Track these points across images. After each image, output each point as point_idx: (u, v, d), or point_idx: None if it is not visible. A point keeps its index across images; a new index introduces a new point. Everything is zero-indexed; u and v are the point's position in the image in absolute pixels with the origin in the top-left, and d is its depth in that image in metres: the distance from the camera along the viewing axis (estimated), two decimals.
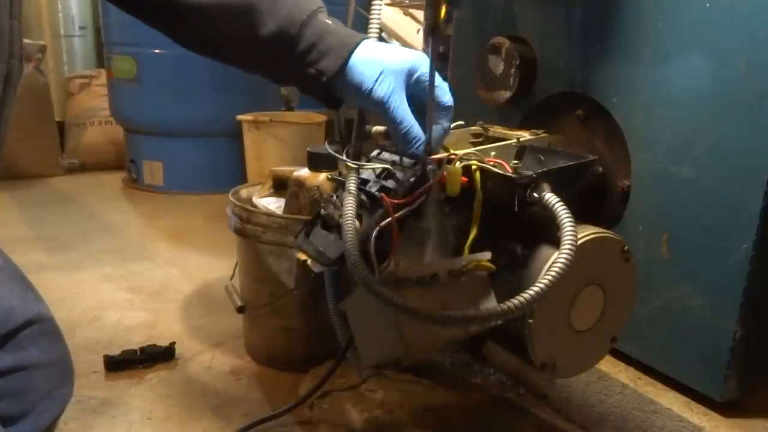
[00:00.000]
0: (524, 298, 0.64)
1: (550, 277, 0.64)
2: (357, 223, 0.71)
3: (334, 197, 0.75)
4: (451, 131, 0.88)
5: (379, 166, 0.75)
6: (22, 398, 0.86)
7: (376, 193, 0.73)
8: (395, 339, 0.66)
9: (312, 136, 2.44)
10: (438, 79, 0.70)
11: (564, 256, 0.64)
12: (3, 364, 0.82)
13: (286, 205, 1.18)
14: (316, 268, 0.79)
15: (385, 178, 0.75)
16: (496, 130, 0.95)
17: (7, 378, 0.83)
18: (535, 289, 0.64)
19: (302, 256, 0.82)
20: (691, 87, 0.89)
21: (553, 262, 0.65)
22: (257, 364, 1.26)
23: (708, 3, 0.86)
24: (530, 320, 0.71)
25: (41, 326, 0.89)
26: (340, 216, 0.70)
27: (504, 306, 0.64)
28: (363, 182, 0.77)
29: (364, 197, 0.75)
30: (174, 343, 1.28)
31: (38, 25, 3.28)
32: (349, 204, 0.70)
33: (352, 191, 0.72)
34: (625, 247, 0.77)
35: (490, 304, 0.71)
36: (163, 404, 1.11)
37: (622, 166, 0.98)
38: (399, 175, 0.74)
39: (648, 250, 0.95)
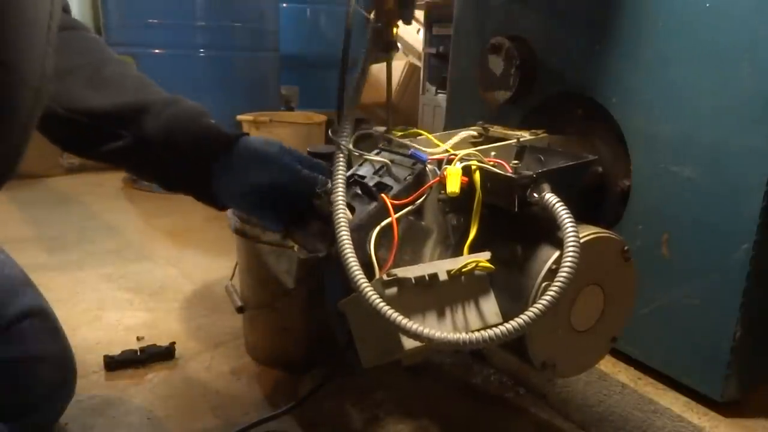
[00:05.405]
0: (529, 316, 0.62)
1: (557, 287, 0.63)
2: (349, 214, 0.71)
3: (328, 184, 0.75)
4: (451, 131, 0.88)
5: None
6: (24, 391, 0.85)
7: (375, 191, 0.73)
8: (394, 340, 0.66)
9: (312, 136, 2.44)
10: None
11: (569, 262, 0.63)
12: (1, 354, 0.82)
13: None
14: (302, 255, 0.79)
15: (382, 175, 0.75)
16: (496, 130, 0.95)
17: (8, 369, 0.83)
18: (542, 303, 0.62)
19: (291, 243, 0.82)
20: (691, 87, 0.89)
21: (559, 268, 0.64)
22: (257, 364, 1.25)
23: (708, 3, 0.86)
24: None
25: (41, 321, 0.89)
26: (332, 210, 0.69)
27: (513, 324, 0.62)
28: (360, 178, 0.77)
29: (358, 190, 0.74)
30: (174, 343, 1.28)
31: None
32: (340, 203, 0.70)
33: (339, 182, 0.71)
34: (625, 247, 0.77)
35: (490, 305, 0.71)
36: (163, 404, 1.11)
37: (622, 166, 0.98)
38: (396, 171, 0.74)
39: (648, 250, 0.95)
